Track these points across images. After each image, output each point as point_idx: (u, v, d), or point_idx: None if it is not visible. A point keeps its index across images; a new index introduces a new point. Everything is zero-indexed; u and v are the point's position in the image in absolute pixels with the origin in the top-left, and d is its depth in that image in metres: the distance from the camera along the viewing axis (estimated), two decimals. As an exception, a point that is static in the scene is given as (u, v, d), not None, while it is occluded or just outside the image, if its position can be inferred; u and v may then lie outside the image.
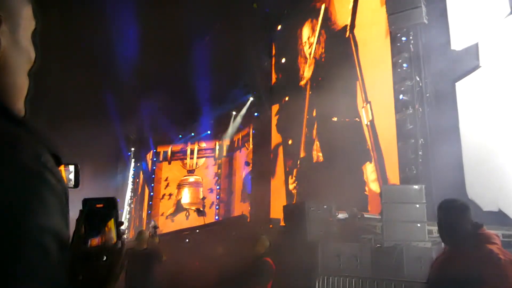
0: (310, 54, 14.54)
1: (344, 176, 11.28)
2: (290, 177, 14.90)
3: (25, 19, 0.96)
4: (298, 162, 14.38)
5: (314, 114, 13.97)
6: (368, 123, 11.80)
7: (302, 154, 14.27)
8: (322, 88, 13.47)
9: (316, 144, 13.62)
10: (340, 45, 13.35)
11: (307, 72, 14.67)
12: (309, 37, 14.85)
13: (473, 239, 2.86)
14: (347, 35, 13.28)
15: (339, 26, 13.67)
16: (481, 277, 2.59)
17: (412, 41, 10.17)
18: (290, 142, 15.84)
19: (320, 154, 13.45)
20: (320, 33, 14.31)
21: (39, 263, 0.73)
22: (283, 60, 17.06)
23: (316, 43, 14.37)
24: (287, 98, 16.50)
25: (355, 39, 12.91)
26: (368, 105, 11.92)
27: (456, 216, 2.96)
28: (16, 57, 0.91)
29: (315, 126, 13.85)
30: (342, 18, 13.70)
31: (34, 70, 0.98)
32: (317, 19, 14.89)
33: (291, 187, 14.76)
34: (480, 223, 3.05)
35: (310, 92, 14.15)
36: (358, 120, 12.05)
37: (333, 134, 12.68)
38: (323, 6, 14.74)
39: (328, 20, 14.27)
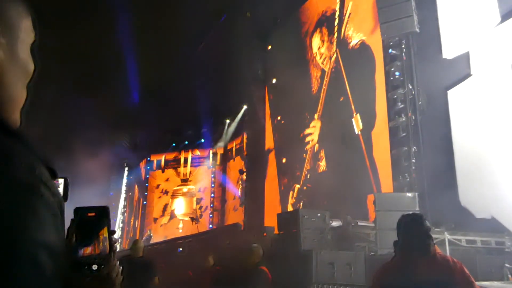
0: (323, 65, 14.42)
1: (346, 185, 11.24)
2: (291, 193, 14.83)
3: (24, 31, 0.95)
4: (304, 175, 14.29)
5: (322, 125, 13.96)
6: (359, 132, 11.86)
7: (307, 166, 14.21)
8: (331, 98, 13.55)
9: (321, 156, 13.57)
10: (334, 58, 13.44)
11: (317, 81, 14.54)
12: (319, 47, 14.79)
13: (433, 249, 3.20)
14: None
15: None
16: (454, 280, 3.06)
17: (404, 50, 10.25)
18: (284, 160, 15.83)
19: (324, 164, 13.41)
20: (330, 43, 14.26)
21: (32, 278, 0.72)
22: (274, 81, 17.14)
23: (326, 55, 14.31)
24: (279, 118, 16.56)
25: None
26: (358, 115, 11.99)
27: (428, 228, 3.23)
28: (14, 69, 0.91)
29: (321, 137, 13.85)
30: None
31: (33, 82, 0.97)
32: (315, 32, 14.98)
33: (291, 201, 14.67)
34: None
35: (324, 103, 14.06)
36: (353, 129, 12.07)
37: (337, 144, 12.67)
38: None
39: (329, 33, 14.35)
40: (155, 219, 23.73)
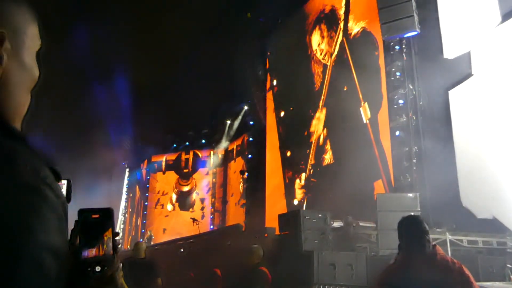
0: (324, 59, 14.46)
1: (354, 177, 11.15)
2: (296, 187, 14.80)
3: (30, 37, 0.96)
4: (309, 170, 14.27)
5: (326, 118, 13.92)
6: (368, 121, 11.79)
7: (312, 161, 14.16)
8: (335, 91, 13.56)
9: (327, 150, 13.52)
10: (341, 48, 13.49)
11: (320, 77, 14.54)
12: (319, 44, 14.86)
13: (433, 249, 3.26)
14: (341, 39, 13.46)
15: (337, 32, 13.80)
16: (451, 280, 3.11)
17: (405, 50, 10.25)
18: (288, 154, 15.81)
19: (330, 157, 13.36)
20: (330, 38, 14.35)
21: (36, 280, 0.73)
22: (277, 76, 17.17)
23: (326, 49, 14.36)
24: (282, 113, 16.55)
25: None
26: (366, 103, 11.93)
27: (426, 229, 3.29)
28: (19, 75, 0.92)
29: (326, 130, 13.80)
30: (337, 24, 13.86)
31: (37, 88, 0.99)
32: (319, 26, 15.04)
33: (299, 197, 14.63)
34: None
35: (326, 97, 14.03)
36: (363, 121, 12.01)
37: (343, 138, 12.62)
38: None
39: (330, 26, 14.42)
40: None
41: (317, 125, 14.16)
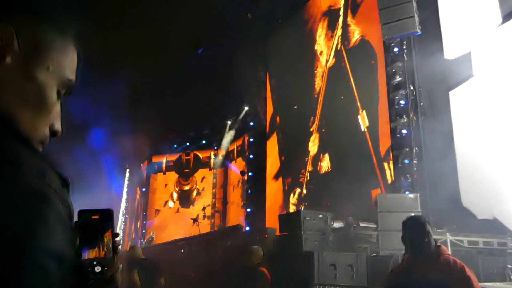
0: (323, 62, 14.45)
1: (352, 185, 11.16)
2: (292, 194, 14.78)
3: (55, 61, 0.92)
4: (307, 176, 14.23)
5: (324, 123, 13.93)
6: (366, 130, 11.81)
7: (309, 168, 14.14)
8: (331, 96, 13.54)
9: (326, 156, 13.49)
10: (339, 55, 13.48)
11: (320, 81, 14.54)
12: (319, 36, 14.82)
13: (437, 250, 3.33)
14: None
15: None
16: (451, 280, 3.17)
17: (405, 51, 10.25)
18: (287, 161, 15.79)
19: (327, 165, 13.32)
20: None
21: (40, 286, 0.72)
22: (275, 81, 17.16)
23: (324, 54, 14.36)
24: (278, 119, 16.55)
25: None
26: (364, 112, 11.94)
27: (427, 230, 3.34)
28: (18, 85, 0.86)
29: (325, 135, 13.81)
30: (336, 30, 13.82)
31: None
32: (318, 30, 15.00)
33: (293, 201, 14.59)
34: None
35: (323, 102, 14.03)
36: (360, 128, 12.03)
37: (341, 144, 12.62)
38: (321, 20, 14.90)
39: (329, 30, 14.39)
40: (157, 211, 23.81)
41: (314, 144, 14.16)
